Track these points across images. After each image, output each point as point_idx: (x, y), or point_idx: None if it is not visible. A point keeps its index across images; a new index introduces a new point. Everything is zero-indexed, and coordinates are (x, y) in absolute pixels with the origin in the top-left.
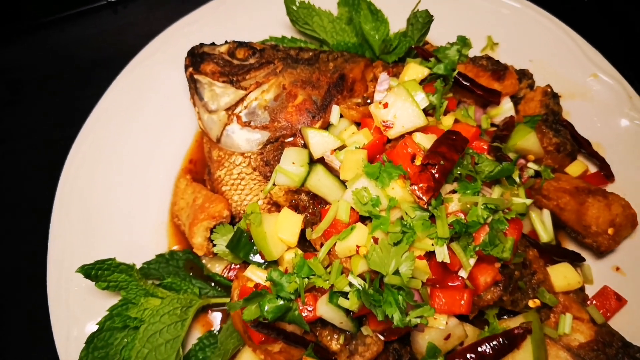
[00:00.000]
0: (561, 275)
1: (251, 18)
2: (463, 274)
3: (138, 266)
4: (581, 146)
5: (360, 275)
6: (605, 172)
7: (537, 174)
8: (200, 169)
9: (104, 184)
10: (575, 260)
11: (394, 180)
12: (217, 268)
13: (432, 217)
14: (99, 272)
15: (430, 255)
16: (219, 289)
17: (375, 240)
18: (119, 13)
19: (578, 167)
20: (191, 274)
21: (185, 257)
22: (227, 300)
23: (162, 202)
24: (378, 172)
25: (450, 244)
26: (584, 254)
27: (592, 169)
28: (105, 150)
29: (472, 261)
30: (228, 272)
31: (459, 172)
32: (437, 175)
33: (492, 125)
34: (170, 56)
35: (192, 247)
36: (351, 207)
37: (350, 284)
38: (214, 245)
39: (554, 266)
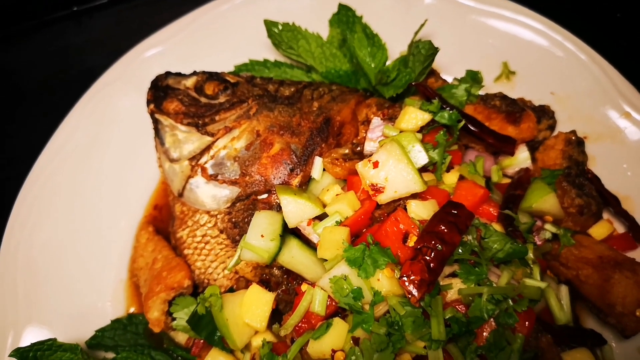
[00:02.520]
0: None
1: (229, 38)
2: None
3: (91, 332)
4: (608, 204)
5: None
6: (635, 234)
7: (555, 237)
8: (166, 216)
9: (55, 234)
10: (596, 345)
11: (380, 270)
12: (180, 337)
13: (425, 313)
14: (39, 353)
15: (421, 358)
16: None
17: (356, 340)
18: (82, 25)
19: (604, 228)
20: (151, 343)
21: (146, 322)
22: None
23: (121, 256)
24: (361, 258)
25: (446, 346)
26: (605, 333)
27: (620, 229)
28: (57, 195)
29: None
30: (192, 346)
31: (460, 255)
32: (432, 265)
33: (505, 175)
34: (134, 81)
35: None
36: (329, 295)
37: None
38: (173, 319)
39: (570, 352)
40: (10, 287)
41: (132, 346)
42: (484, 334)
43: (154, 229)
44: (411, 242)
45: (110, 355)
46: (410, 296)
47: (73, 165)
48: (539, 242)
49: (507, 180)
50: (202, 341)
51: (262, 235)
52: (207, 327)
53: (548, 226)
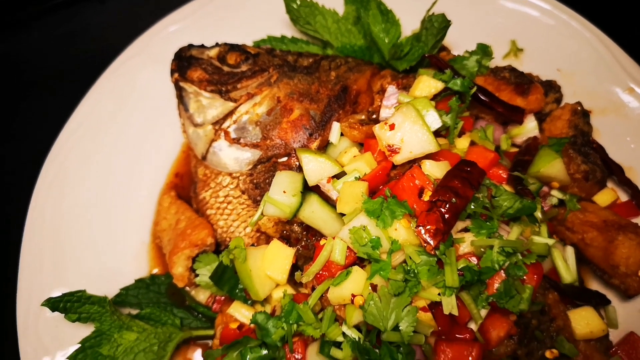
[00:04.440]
0: (583, 322)
1: (248, 15)
2: (473, 326)
3: (116, 291)
4: (612, 172)
5: (356, 326)
6: (638, 202)
7: (561, 203)
8: (187, 183)
9: (80, 201)
10: (600, 304)
11: (397, 220)
12: (201, 296)
13: (440, 262)
14: (68, 304)
15: (436, 304)
16: (203, 319)
17: (374, 287)
18: (105, 4)
19: (608, 196)
20: (173, 301)
21: (168, 282)
22: (210, 332)
23: (144, 221)
24: (380, 209)
25: (459, 293)
26: (609, 294)
27: (623, 197)
28: (82, 163)
29: (483, 312)
30: (213, 303)
31: (473, 209)
32: (447, 216)
33: (513, 145)
34: (156, 56)
35: None
36: (348, 247)
37: (344, 334)
38: (196, 275)
39: (575, 310)
40: (38, 250)
41: (155, 304)
42: (495, 284)
43: (176, 193)
44: (426, 196)
45: (135, 311)
46: (425, 244)
47: (96, 135)
48: (545, 208)
49: (515, 150)
50: (223, 298)
51: (284, 192)
52: (229, 281)
53: (555, 192)
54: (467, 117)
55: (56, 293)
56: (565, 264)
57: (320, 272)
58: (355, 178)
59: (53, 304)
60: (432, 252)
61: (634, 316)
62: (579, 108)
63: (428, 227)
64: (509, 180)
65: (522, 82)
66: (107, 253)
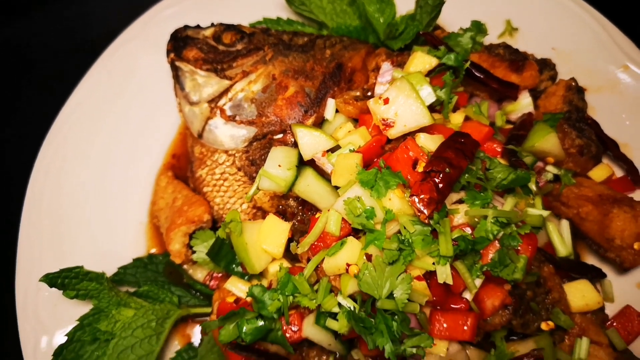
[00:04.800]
0: (579, 294)
1: None
2: (468, 295)
3: (114, 271)
4: (607, 148)
5: (351, 296)
6: (633, 177)
7: (557, 179)
8: (184, 164)
9: (78, 182)
10: (596, 277)
11: (391, 190)
12: (198, 274)
13: (434, 232)
14: (66, 280)
15: (430, 274)
16: (201, 297)
17: (369, 257)
18: None
19: (603, 171)
20: (171, 280)
21: (165, 261)
22: (208, 310)
23: (141, 201)
24: (374, 180)
25: (453, 262)
26: (605, 269)
27: (619, 173)
28: (79, 145)
29: (478, 282)
30: (210, 280)
31: (467, 180)
32: (441, 186)
33: (508, 122)
34: (152, 40)
35: None
36: (343, 218)
37: (340, 305)
38: (193, 252)
39: (571, 283)
40: (36, 231)
41: (153, 282)
42: (489, 254)
43: (173, 174)
44: (420, 167)
45: (133, 289)
46: (419, 213)
47: (94, 117)
48: (540, 184)
49: (510, 126)
50: (220, 275)
51: (279, 165)
52: (226, 257)
53: (550, 167)
54: (462, 92)
55: None
56: (561, 237)
57: (315, 243)
58: (350, 151)
59: (51, 279)
60: (426, 222)
61: (630, 290)
62: (573, 84)
63: (422, 196)
64: (504, 154)
65: (517, 58)
66: (105, 233)
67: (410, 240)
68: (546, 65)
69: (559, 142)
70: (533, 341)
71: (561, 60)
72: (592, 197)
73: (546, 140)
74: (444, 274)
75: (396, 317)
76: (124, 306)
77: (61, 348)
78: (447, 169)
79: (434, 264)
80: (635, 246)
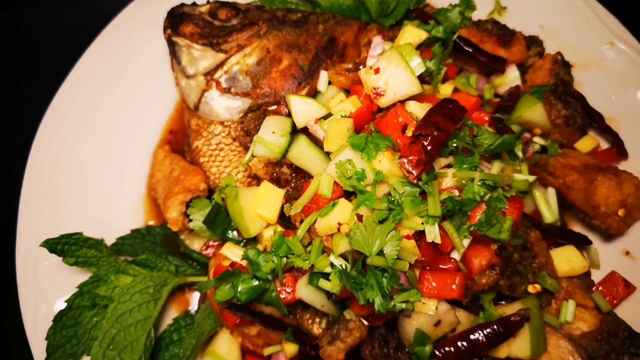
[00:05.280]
0: (565, 259)
1: None
2: (456, 255)
3: (112, 242)
4: (593, 120)
5: (343, 256)
6: (618, 149)
7: (543, 150)
8: (181, 139)
9: (77, 157)
10: (582, 244)
11: (381, 152)
12: (195, 245)
13: (423, 194)
14: (66, 247)
15: (420, 235)
16: (198, 267)
17: (360, 217)
18: None
19: (588, 142)
20: (168, 250)
21: (163, 233)
22: (205, 278)
23: (139, 175)
24: (364, 143)
25: (442, 222)
26: (591, 237)
27: (604, 145)
28: (79, 122)
29: (466, 242)
30: (206, 249)
31: (454, 145)
32: (429, 148)
33: (496, 95)
34: (149, 19)
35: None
36: (335, 182)
37: (332, 265)
38: (190, 220)
39: (557, 249)
40: (36, 202)
41: (150, 252)
42: (476, 216)
43: (170, 148)
44: (409, 132)
45: (131, 258)
46: (408, 174)
47: (93, 94)
48: (528, 155)
49: (498, 100)
50: (216, 244)
51: (273, 132)
52: (222, 223)
53: (537, 139)
54: (451, 64)
55: None
56: (547, 204)
57: (308, 205)
58: (342, 117)
59: (51, 245)
60: (415, 182)
61: (615, 257)
62: (559, 57)
63: (410, 157)
64: (491, 124)
65: (505, 33)
66: (104, 205)
67: (399, 201)
68: (534, 42)
69: (545, 113)
70: (520, 303)
71: (548, 38)
72: (578, 167)
73: (533, 111)
74: (433, 234)
75: (386, 274)
76: (122, 273)
77: (61, 314)
78: (435, 133)
79: (422, 224)
80: (620, 213)
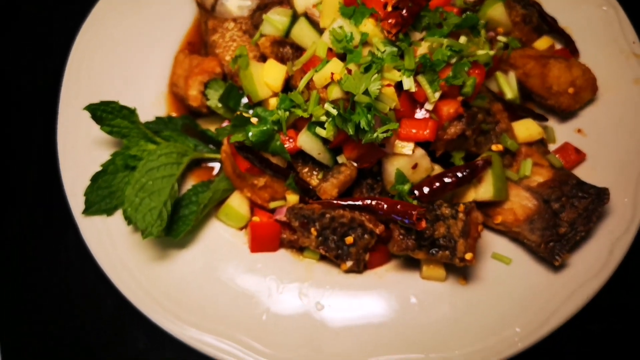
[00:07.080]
0: (523, 128)
1: None
2: (428, 107)
3: None
4: (547, 24)
5: (336, 103)
6: (570, 48)
7: (506, 47)
8: (198, 49)
9: (109, 65)
10: (538, 119)
11: (366, 19)
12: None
13: (402, 56)
14: (104, 114)
15: (399, 89)
16: (213, 147)
17: (349, 72)
18: None
19: (544, 42)
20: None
21: (183, 122)
22: (219, 156)
23: (161, 76)
24: (352, 11)
25: (416, 77)
26: (549, 121)
27: (558, 47)
28: (110, 36)
29: (437, 94)
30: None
31: (428, 22)
32: (405, 14)
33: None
34: None
35: (188, 108)
36: (328, 50)
37: (327, 114)
38: (208, 99)
39: (517, 122)
40: (76, 93)
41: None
42: (445, 75)
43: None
44: (389, 7)
45: None
46: (388, 34)
47: (124, 13)
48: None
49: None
50: None
51: (277, 15)
52: (234, 98)
53: (500, 37)
54: None
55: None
56: (508, 84)
57: (307, 64)
58: None
59: (93, 109)
60: (394, 39)
61: (569, 134)
62: None
63: (390, 20)
64: (458, 13)
65: None
66: (132, 98)
67: (381, 57)
68: None
69: (505, 11)
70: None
71: None
72: (534, 56)
73: (494, 9)
74: (409, 83)
75: (371, 110)
76: (150, 141)
77: (97, 175)
78: (410, 4)
79: (400, 76)
80: (570, 90)
